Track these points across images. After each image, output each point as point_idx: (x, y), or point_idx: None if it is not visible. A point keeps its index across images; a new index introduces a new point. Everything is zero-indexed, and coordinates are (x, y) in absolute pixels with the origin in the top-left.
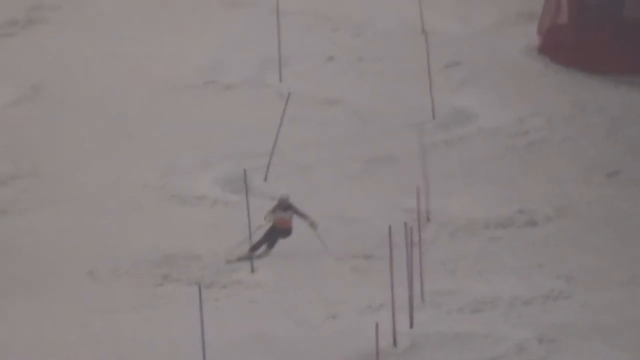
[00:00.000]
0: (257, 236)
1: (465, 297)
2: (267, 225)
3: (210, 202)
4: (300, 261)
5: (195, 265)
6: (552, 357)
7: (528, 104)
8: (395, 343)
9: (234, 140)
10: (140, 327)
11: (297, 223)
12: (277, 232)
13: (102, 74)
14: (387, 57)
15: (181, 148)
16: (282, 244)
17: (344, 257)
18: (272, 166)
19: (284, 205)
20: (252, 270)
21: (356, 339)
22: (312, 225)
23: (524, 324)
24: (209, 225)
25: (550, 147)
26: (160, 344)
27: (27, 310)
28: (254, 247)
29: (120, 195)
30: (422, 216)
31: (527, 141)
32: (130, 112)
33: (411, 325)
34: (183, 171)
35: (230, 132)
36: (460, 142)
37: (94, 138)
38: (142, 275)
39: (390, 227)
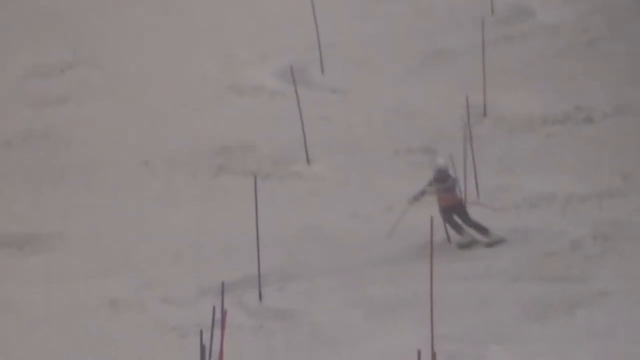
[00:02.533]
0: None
1: (521, 193)
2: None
3: (268, 94)
4: (358, 154)
5: (252, 156)
6: (606, 254)
7: (588, 2)
8: (449, 239)
9: (293, 31)
10: (196, 217)
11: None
12: (449, 211)
13: None
14: None
15: (240, 39)
16: (338, 136)
17: (401, 151)
18: (331, 59)
19: (442, 176)
20: (309, 162)
21: (411, 232)
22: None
23: (580, 220)
24: (267, 116)
25: (609, 44)
26: (215, 235)
27: (83, 198)
28: (458, 230)
29: (178, 85)
30: (480, 111)
31: (587, 39)
32: (190, 1)
33: None
34: (242, 62)
35: (290, 23)
36: (519, 38)
37: (154, 28)
38: (199, 166)
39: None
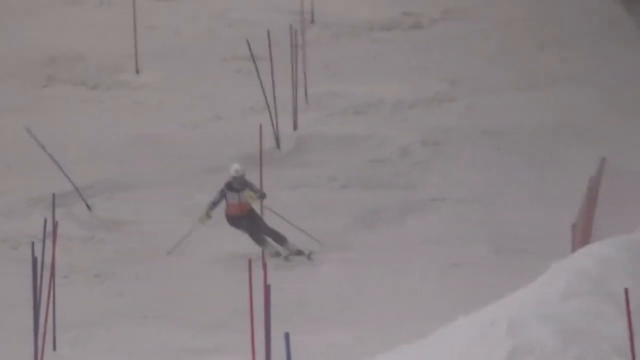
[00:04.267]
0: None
1: (349, 100)
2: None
3: (96, 2)
4: (186, 62)
5: (81, 66)
6: (436, 160)
7: None
8: (278, 145)
9: None
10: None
11: None
12: (242, 219)
13: None
14: None
15: None
16: (165, 44)
17: (228, 59)
18: None
19: (239, 183)
20: (137, 71)
21: (240, 141)
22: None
23: (408, 126)
24: (95, 25)
25: None
26: (45, 145)
27: None
28: (262, 243)
29: None
30: (306, 18)
31: None
32: None
33: (295, 127)
34: None
35: None
36: None
37: None
38: (27, 76)
39: (268, 31)
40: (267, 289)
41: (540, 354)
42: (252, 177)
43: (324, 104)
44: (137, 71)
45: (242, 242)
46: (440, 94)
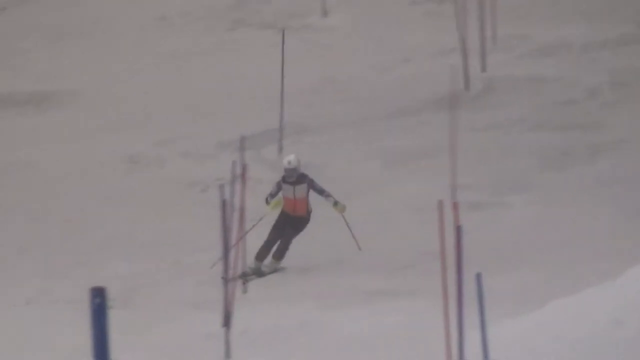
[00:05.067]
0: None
1: (537, 41)
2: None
3: None
4: (373, 5)
5: (268, 9)
6: (623, 101)
7: None
8: (467, 86)
9: None
10: (213, 71)
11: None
12: (287, 221)
13: None
14: None
15: None
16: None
17: (416, 1)
18: None
19: (294, 176)
20: (324, 14)
21: (429, 83)
22: (337, 206)
23: (596, 68)
24: None
25: None
26: (233, 89)
27: (99, 55)
28: (260, 255)
29: None
30: None
31: None
32: None
33: (483, 69)
34: None
35: None
36: None
37: None
38: (215, 20)
39: None
40: (458, 230)
41: None
42: (440, 119)
43: (512, 45)
44: (324, 14)
45: (427, 184)
46: (627, 35)
